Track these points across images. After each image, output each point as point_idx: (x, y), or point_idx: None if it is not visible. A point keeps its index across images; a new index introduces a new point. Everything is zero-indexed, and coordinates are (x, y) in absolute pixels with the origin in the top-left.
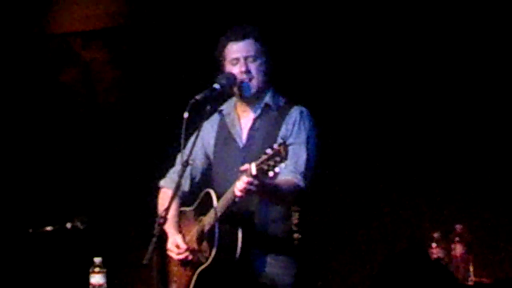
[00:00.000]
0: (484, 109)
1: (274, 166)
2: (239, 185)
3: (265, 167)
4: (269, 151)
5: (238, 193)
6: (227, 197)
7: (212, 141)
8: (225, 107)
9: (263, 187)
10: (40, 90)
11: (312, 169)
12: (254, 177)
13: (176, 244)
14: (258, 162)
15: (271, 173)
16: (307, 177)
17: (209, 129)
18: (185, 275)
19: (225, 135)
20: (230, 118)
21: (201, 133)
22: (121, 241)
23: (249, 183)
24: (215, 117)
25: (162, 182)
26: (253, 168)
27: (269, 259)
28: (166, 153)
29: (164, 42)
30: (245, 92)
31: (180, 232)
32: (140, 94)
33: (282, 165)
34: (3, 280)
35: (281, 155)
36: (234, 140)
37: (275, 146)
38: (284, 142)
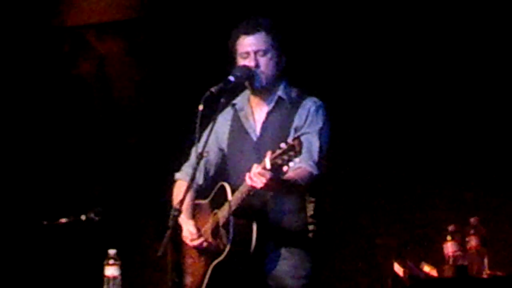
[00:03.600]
0: (501, 102)
1: (289, 161)
2: (251, 175)
3: (279, 162)
4: (283, 145)
5: (249, 181)
6: (241, 190)
7: (226, 135)
8: (239, 101)
9: (277, 183)
10: (55, 83)
11: (325, 157)
12: (268, 171)
13: (190, 231)
14: (273, 156)
15: (285, 168)
16: (320, 165)
17: (222, 123)
18: (200, 268)
19: (238, 129)
20: (243, 112)
21: (215, 127)
22: (135, 233)
23: (262, 174)
24: (229, 111)
25: (177, 175)
26: (267, 162)
27: (284, 252)
28: (181, 145)
29: (179, 34)
30: (255, 84)
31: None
32: (155, 86)
33: (297, 159)
34: (19, 272)
35: (295, 150)
36: (248, 134)
37: (290, 140)
38: (298, 137)
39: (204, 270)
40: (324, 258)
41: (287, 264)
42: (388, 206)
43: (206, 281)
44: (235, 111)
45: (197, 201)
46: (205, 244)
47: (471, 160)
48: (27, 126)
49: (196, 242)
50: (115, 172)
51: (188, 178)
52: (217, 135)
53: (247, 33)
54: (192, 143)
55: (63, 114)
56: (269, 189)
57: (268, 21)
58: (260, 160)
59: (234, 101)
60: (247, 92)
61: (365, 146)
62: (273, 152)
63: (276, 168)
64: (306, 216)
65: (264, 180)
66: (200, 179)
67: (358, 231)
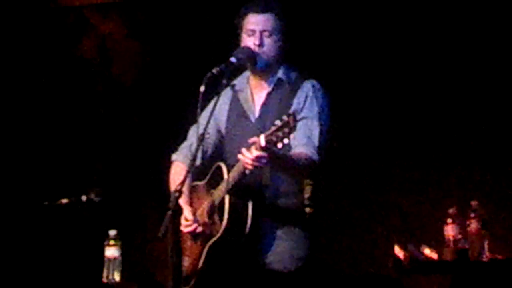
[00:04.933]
0: (503, 88)
1: (283, 138)
2: (247, 157)
3: (274, 139)
4: (278, 122)
5: (246, 165)
6: (237, 170)
7: (224, 116)
8: (238, 82)
9: (275, 159)
10: (57, 63)
11: (325, 142)
12: (263, 148)
13: (185, 217)
14: (267, 133)
15: (280, 145)
16: (321, 150)
17: (221, 104)
18: (196, 248)
19: (237, 110)
20: (243, 93)
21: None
22: (136, 214)
23: (258, 157)
24: (228, 92)
25: (174, 156)
26: (262, 139)
27: (280, 232)
28: (180, 126)
29: (182, 15)
30: (257, 65)
31: (191, 205)
32: (157, 67)
33: (291, 136)
34: (19, 252)
35: (290, 126)
36: (247, 115)
37: (284, 117)
38: (293, 113)
39: (200, 251)
40: (322, 240)
41: (283, 244)
42: (388, 188)
43: (201, 261)
44: (234, 92)
45: (193, 183)
46: (199, 229)
47: (472, 143)
48: (29, 106)
49: (189, 229)
50: (116, 153)
51: (185, 159)
52: (215, 116)
53: (257, 11)
54: (188, 123)
55: (64, 94)
56: (268, 166)
57: (279, 3)
58: None
59: (234, 82)
60: (246, 74)
61: (365, 128)
62: (269, 129)
63: (270, 147)
64: (303, 198)
65: (264, 161)
66: (197, 161)
67: (357, 214)
